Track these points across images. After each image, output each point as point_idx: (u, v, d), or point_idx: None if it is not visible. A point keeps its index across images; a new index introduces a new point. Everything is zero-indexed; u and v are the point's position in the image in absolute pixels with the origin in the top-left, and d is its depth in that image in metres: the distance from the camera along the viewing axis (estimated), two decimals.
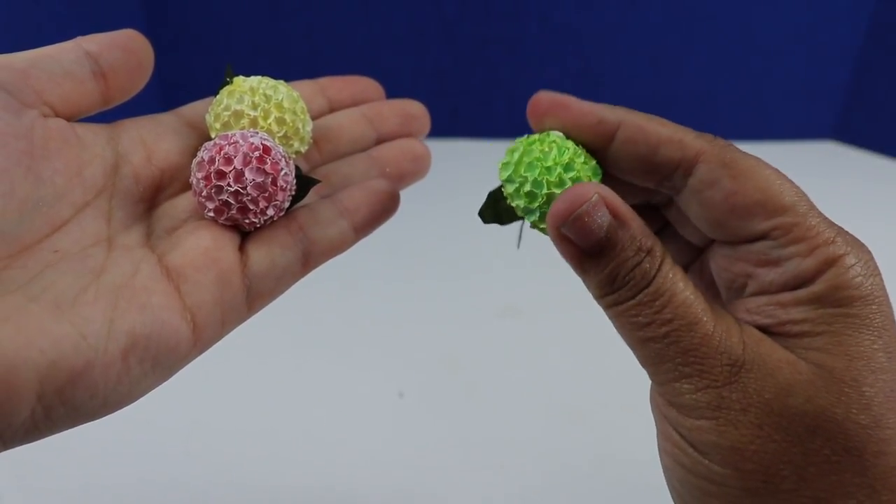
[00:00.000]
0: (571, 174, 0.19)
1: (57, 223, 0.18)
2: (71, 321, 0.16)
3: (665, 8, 0.78)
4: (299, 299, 0.53)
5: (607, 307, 0.18)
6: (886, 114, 0.82)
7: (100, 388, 0.16)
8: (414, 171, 0.25)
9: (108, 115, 0.22)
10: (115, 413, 0.44)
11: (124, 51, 0.21)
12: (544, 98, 0.20)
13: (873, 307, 0.16)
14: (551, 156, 0.19)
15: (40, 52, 0.20)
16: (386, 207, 0.23)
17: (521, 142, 0.20)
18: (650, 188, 0.20)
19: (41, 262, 0.17)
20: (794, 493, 0.15)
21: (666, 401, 0.18)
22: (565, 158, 0.19)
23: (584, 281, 0.18)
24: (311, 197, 0.22)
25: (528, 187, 0.19)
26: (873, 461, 0.15)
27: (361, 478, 0.38)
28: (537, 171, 0.19)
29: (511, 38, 0.80)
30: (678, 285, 0.17)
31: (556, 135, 0.20)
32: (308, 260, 0.21)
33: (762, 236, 0.17)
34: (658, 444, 0.20)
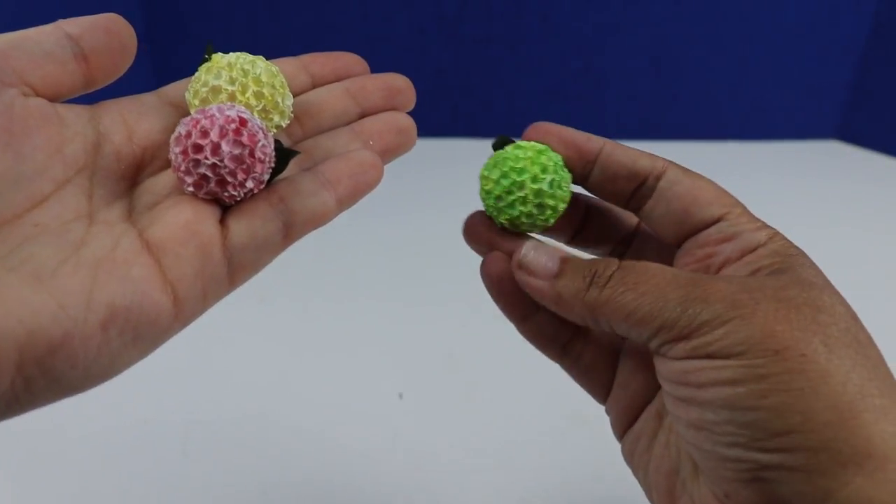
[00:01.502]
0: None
1: (37, 198, 0.19)
2: (50, 292, 0.16)
3: (666, 7, 0.78)
4: (299, 299, 0.53)
5: (599, 295, 0.20)
6: (890, 113, 0.82)
7: (80, 359, 0.17)
8: (399, 143, 0.25)
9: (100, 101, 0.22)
10: (115, 411, 0.44)
11: (106, 33, 0.21)
12: (542, 128, 0.24)
13: (806, 258, 0.22)
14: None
15: (20, 34, 0.20)
16: (369, 178, 0.22)
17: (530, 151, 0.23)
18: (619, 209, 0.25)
19: (21, 236, 0.18)
20: (827, 361, 0.18)
21: (681, 349, 0.19)
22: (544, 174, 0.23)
23: (566, 299, 0.21)
24: (292, 170, 0.22)
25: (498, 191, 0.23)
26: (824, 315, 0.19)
27: (361, 479, 0.38)
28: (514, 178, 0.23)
29: (511, 38, 0.80)
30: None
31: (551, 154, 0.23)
32: (290, 231, 0.21)
33: (718, 219, 0.22)
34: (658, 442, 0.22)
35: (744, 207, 0.23)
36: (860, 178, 0.77)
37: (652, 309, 0.19)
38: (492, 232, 0.24)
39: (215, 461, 0.39)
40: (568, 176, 0.23)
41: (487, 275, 0.24)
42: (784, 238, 0.22)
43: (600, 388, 0.25)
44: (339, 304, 0.53)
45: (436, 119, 0.84)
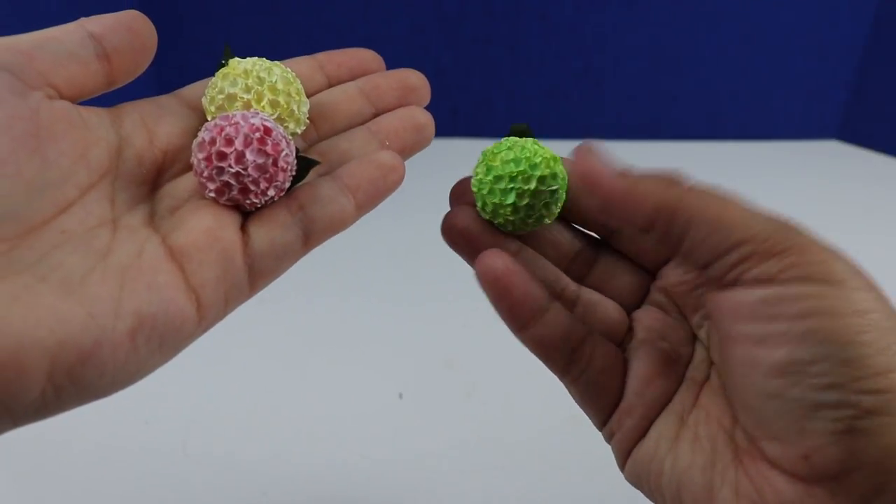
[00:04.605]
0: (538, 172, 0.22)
1: (63, 204, 0.18)
2: (79, 301, 0.16)
3: (666, 7, 0.78)
4: (299, 299, 0.53)
5: (684, 192, 0.19)
6: (890, 113, 0.82)
7: (108, 367, 0.16)
8: (416, 141, 0.24)
9: (104, 100, 0.22)
10: (116, 411, 0.43)
11: (128, 32, 0.20)
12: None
13: None
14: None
15: (44, 34, 0.19)
16: (389, 182, 0.22)
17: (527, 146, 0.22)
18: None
19: (49, 243, 0.17)
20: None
21: (772, 267, 0.18)
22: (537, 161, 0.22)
23: (638, 193, 0.19)
24: (310, 175, 0.22)
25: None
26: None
27: (360, 479, 0.38)
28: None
29: (511, 38, 0.80)
30: None
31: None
32: (309, 238, 0.21)
33: None
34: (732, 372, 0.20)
35: None
36: (860, 178, 0.77)
37: (743, 218, 0.18)
38: (486, 234, 0.23)
39: (215, 461, 0.39)
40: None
41: (489, 272, 0.21)
42: None
43: (607, 399, 0.23)
44: (339, 303, 0.53)
45: (436, 119, 0.84)
